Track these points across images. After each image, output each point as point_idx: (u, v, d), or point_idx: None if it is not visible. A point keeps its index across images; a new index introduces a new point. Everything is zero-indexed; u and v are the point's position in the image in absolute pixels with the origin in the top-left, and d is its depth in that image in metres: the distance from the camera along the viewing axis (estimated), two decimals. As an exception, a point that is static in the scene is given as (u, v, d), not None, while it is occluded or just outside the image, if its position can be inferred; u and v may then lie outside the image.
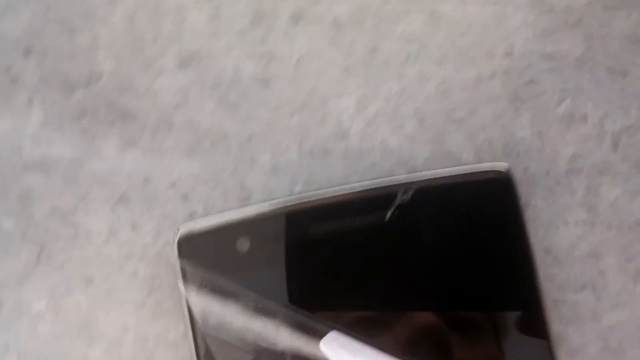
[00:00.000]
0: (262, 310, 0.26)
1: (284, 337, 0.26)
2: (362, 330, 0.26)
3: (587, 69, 0.29)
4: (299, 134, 0.29)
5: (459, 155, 0.29)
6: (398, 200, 0.27)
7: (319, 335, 0.26)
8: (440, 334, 0.26)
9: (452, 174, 0.27)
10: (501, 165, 0.27)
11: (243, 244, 0.26)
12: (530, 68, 0.29)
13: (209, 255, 0.26)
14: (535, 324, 0.26)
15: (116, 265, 0.29)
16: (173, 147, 0.29)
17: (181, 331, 0.28)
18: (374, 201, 0.27)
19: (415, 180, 0.27)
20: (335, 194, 0.27)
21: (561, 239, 0.28)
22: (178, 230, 0.26)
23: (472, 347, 0.26)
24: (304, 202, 0.27)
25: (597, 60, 0.29)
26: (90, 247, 0.29)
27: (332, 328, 0.26)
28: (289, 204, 0.27)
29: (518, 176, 0.28)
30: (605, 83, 0.29)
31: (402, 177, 0.27)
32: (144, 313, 0.28)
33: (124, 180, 0.29)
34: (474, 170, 0.27)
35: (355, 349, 0.26)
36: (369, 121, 0.29)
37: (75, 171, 0.29)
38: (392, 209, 0.27)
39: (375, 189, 0.27)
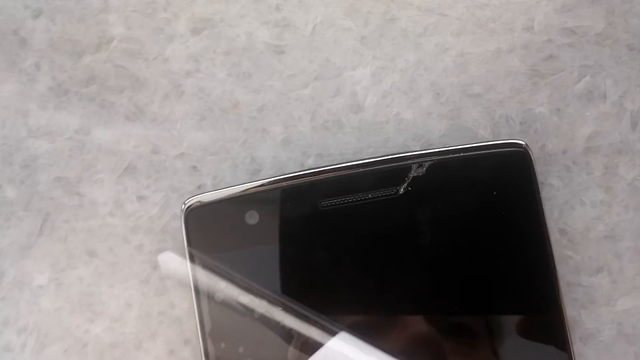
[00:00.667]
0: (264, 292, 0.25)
1: (287, 316, 0.25)
2: (372, 306, 0.26)
3: (608, 45, 0.28)
4: (312, 106, 0.28)
5: (475, 131, 0.28)
6: (412, 175, 0.26)
7: (322, 321, 0.26)
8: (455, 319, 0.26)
9: (469, 149, 0.27)
10: (519, 142, 0.27)
11: (252, 217, 0.25)
12: (549, 43, 0.28)
13: (216, 229, 0.25)
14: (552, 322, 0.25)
15: (121, 238, 0.28)
16: (183, 116, 0.28)
17: (186, 308, 0.27)
18: (387, 175, 0.26)
19: (431, 154, 0.26)
20: (348, 168, 0.26)
21: (577, 219, 0.28)
22: (185, 203, 0.25)
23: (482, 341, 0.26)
24: (316, 177, 0.26)
25: (617, 36, 0.28)
26: (95, 218, 0.28)
27: (338, 311, 0.25)
28: (300, 178, 0.26)
29: (535, 154, 0.27)
30: (625, 60, 0.28)
31: (416, 151, 0.27)
32: (148, 289, 0.27)
33: (132, 150, 0.28)
34: (490, 146, 0.27)
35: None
36: (384, 94, 0.28)
37: (81, 139, 0.28)
38: (406, 183, 0.26)
39: (389, 163, 0.27)
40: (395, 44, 0.28)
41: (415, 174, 0.26)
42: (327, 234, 0.26)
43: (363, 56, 0.28)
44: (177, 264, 0.27)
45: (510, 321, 0.26)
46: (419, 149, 0.28)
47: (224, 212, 0.25)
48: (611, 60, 0.28)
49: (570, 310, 0.27)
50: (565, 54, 0.28)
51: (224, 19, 0.28)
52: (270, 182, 0.26)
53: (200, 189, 0.28)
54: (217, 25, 0.28)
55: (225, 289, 0.25)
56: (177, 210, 0.27)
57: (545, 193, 0.28)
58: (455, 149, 0.27)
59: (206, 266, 0.25)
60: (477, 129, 0.28)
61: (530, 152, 0.26)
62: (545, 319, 0.25)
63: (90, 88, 0.28)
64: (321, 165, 0.27)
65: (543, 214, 0.26)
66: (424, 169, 0.26)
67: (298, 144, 0.28)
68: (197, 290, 0.25)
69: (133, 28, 0.28)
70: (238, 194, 0.26)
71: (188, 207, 0.25)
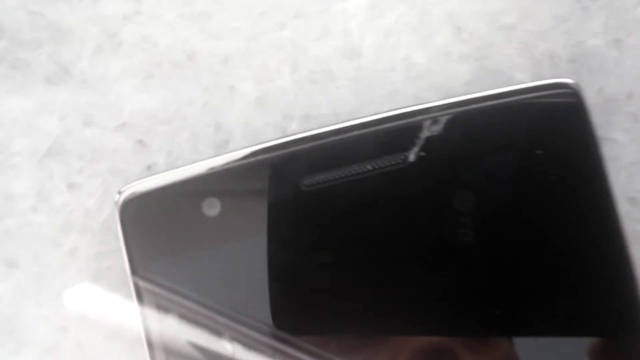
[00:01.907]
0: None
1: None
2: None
3: (679, -49, 0.21)
4: (293, 53, 0.22)
5: (510, 74, 0.22)
6: (425, 135, 0.20)
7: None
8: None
9: (501, 98, 0.20)
10: (568, 83, 0.20)
11: (212, 206, 0.19)
12: (603, -48, 0.21)
13: (166, 224, 0.18)
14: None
15: (48, 241, 0.21)
16: (122, 74, 0.21)
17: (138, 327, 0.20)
18: (392, 138, 0.20)
19: (449, 105, 0.20)
20: (342, 132, 0.20)
21: (646, 184, 0.21)
22: (120, 193, 0.18)
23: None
24: (299, 146, 0.20)
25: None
26: (12, 216, 0.21)
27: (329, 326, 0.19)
28: (280, 149, 0.20)
29: (590, 100, 0.20)
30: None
31: (432, 103, 0.20)
32: (93, 304, 0.21)
33: (56, 124, 0.21)
34: (529, 90, 0.20)
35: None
36: (388, 31, 0.22)
37: (-14, 112, 0.21)
38: (418, 147, 0.20)
39: (395, 120, 0.20)
40: (400, -39, 0.21)
41: (429, 134, 0.20)
42: (316, 225, 0.19)
43: (357, -19, 0.21)
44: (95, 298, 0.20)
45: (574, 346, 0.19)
46: (435, 100, 0.21)
47: (174, 203, 0.18)
48: (683, -28, 0.21)
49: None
50: (623, -35, 0.21)
51: (167, -63, 0.21)
52: (239, 157, 0.19)
53: (151, 171, 0.21)
54: (158, -55, 0.21)
55: (179, 325, 0.18)
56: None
57: (607, 151, 0.21)
58: (480, 96, 0.20)
59: (155, 275, 0.18)
60: (513, 72, 0.22)
61: (584, 97, 0.20)
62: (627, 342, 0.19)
63: (-7, 42, 0.21)
64: (308, 130, 0.20)
65: (607, 180, 0.19)
66: (441, 126, 0.20)
67: (277, 104, 0.21)
68: (142, 307, 0.18)
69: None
70: (193, 177, 0.19)
71: (125, 199, 0.18)
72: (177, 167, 0.19)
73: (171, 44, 0.22)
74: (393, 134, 0.20)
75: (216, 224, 0.18)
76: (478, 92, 0.20)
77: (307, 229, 0.19)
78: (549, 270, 0.19)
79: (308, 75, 0.22)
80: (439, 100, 0.20)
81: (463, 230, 0.20)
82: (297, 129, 0.21)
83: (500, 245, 0.20)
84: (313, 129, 0.20)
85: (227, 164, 0.19)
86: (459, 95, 0.20)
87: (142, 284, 0.18)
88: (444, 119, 0.20)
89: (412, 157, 0.20)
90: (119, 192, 0.19)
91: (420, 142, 0.20)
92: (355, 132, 0.20)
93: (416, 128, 0.20)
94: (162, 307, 0.18)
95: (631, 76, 0.21)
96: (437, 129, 0.20)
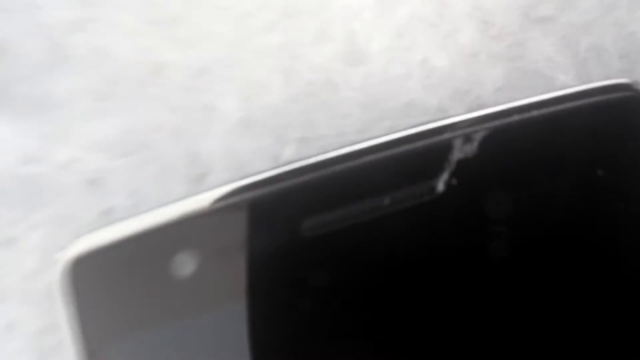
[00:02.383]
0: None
1: None
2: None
3: None
4: (285, 61, 0.17)
5: (550, 76, 0.18)
6: (456, 157, 0.16)
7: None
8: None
9: (545, 104, 0.16)
10: (628, 84, 0.16)
11: (184, 265, 0.14)
12: None
13: (127, 290, 0.13)
14: None
15: (-22, 313, 0.16)
16: (70, 96, 0.17)
17: None
18: (414, 164, 0.15)
19: (483, 118, 0.16)
20: (349, 158, 0.16)
21: None
22: (67, 250, 0.14)
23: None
24: (296, 178, 0.15)
25: None
26: None
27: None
28: (272, 183, 0.15)
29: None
30: None
31: (460, 117, 0.16)
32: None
33: (-15, 162, 0.17)
34: (580, 98, 0.16)
35: None
36: (399, 30, 0.18)
37: None
38: (447, 173, 0.15)
39: (416, 141, 0.16)
40: (411, -56, 0.17)
41: (461, 155, 0.16)
42: (323, 284, 0.14)
43: (360, -31, 0.17)
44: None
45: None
46: (463, 112, 0.16)
47: (137, 260, 0.14)
48: None
49: None
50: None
51: None
52: (220, 196, 0.15)
53: (107, 218, 0.16)
54: None
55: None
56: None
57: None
58: (522, 105, 0.16)
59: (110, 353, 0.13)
60: (554, 72, 0.18)
61: None
62: None
63: None
64: (307, 157, 0.16)
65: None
66: (476, 144, 0.16)
67: (266, 125, 0.17)
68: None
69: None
70: (161, 225, 0.14)
71: (73, 258, 0.14)
72: (140, 213, 0.15)
73: (132, 55, 0.17)
74: (415, 158, 0.16)
75: (192, 287, 0.14)
76: (514, 99, 0.16)
77: (311, 290, 0.14)
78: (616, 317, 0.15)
79: (304, 87, 0.17)
80: (469, 112, 0.16)
81: (513, 276, 0.15)
82: (293, 156, 0.17)
83: (558, 296, 0.15)
84: (313, 156, 0.16)
85: (205, 206, 0.15)
86: (490, 105, 0.16)
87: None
88: (477, 135, 0.16)
89: (440, 186, 0.15)
90: (65, 249, 0.14)
91: (449, 167, 0.15)
92: (366, 158, 0.16)
93: (443, 149, 0.16)
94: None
95: (697, 72, 0.18)
96: (468, 148, 0.16)
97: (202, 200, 0.15)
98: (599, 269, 0.15)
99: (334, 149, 0.16)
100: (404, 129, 0.16)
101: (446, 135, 0.16)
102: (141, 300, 0.13)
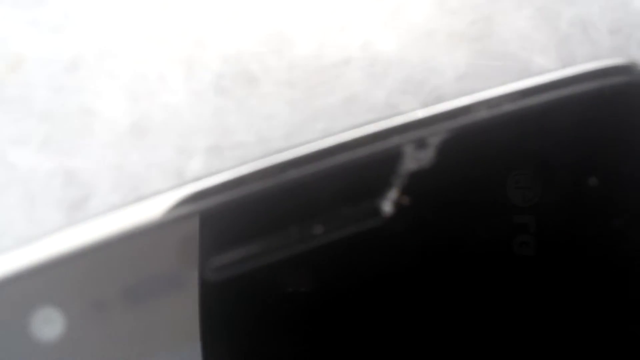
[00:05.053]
0: None
1: None
2: None
3: None
4: (186, 48, 0.13)
5: (525, 57, 0.14)
6: (408, 168, 0.12)
7: None
8: None
9: (522, 97, 0.13)
10: (625, 65, 0.13)
11: (45, 325, 0.10)
12: None
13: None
14: None
15: None
16: None
17: None
18: (354, 180, 0.12)
19: (445, 117, 0.12)
20: (275, 171, 0.12)
21: None
22: None
23: None
24: (207, 199, 0.12)
25: None
26: None
27: None
28: (173, 209, 0.12)
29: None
30: None
31: (415, 115, 0.13)
32: None
33: None
34: (569, 84, 0.13)
35: None
36: (333, 5, 0.14)
37: None
38: (398, 188, 0.12)
39: (359, 147, 0.12)
40: None
41: (414, 167, 0.12)
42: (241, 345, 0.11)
43: None
44: None
45: None
46: (418, 108, 0.13)
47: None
48: None
49: None
50: None
51: None
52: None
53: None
54: None
55: None
56: None
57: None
58: (491, 98, 0.13)
59: None
60: (530, 55, 0.14)
61: None
62: None
63: None
64: (219, 171, 0.12)
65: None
66: (434, 150, 0.12)
67: (165, 131, 0.13)
68: None
69: None
70: (23, 271, 0.10)
71: None
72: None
73: (-17, 46, 0.13)
74: (356, 171, 0.12)
75: (57, 353, 0.10)
76: (480, 90, 0.13)
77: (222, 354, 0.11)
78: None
79: (213, 81, 0.14)
80: (425, 108, 0.12)
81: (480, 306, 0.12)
82: (201, 170, 0.13)
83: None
84: (228, 168, 0.12)
85: (79, 246, 0.11)
86: (451, 98, 0.13)
87: None
88: (437, 140, 0.12)
89: (387, 207, 0.12)
90: None
91: (399, 182, 0.12)
92: (295, 170, 0.12)
93: (392, 158, 0.12)
94: None
95: None
96: (423, 155, 0.12)
97: (76, 235, 0.11)
98: (592, 273, 0.12)
99: (254, 160, 0.12)
100: (343, 132, 0.12)
101: (396, 140, 0.12)
102: None
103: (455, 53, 0.14)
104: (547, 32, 0.14)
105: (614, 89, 0.12)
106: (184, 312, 0.11)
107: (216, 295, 0.11)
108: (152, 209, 0.11)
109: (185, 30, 0.14)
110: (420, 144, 0.12)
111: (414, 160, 0.12)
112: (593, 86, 0.13)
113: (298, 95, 0.14)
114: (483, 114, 0.12)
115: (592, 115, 0.12)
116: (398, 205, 0.12)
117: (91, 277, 0.11)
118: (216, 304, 0.11)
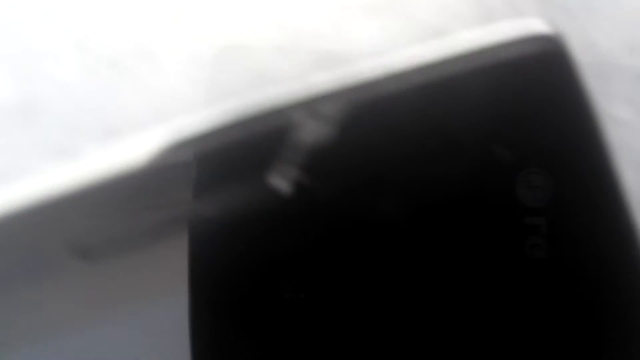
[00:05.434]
0: None
1: None
2: None
3: None
4: (78, 19, 0.12)
5: (442, 29, 0.13)
6: (307, 145, 0.12)
7: None
8: None
9: (435, 71, 0.12)
10: (545, 35, 0.12)
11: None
12: None
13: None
14: None
15: None
16: None
17: None
18: (251, 155, 0.11)
19: (352, 92, 0.11)
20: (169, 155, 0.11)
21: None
22: None
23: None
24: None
25: None
26: None
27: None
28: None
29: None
30: None
31: (323, 87, 0.12)
32: None
33: None
34: (485, 55, 0.12)
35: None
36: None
37: None
38: (293, 168, 0.11)
39: (256, 124, 0.12)
40: None
41: (315, 142, 0.12)
42: None
43: None
44: None
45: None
46: (329, 82, 0.12)
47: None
48: None
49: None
50: None
51: None
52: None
53: None
54: None
55: None
56: None
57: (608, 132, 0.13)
58: (403, 72, 0.12)
59: None
60: (447, 25, 0.13)
61: (569, 53, 0.12)
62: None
63: None
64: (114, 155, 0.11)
65: (615, 177, 0.11)
66: (338, 126, 0.12)
67: (56, 113, 0.13)
68: None
69: None
70: None
71: None
72: None
73: None
74: (250, 148, 0.11)
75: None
76: (395, 64, 0.12)
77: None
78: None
79: (110, 57, 0.13)
80: (338, 79, 0.12)
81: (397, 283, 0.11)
82: (98, 154, 0.12)
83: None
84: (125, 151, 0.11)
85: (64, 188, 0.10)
86: (362, 72, 0.12)
87: None
88: (328, 107, 0.11)
89: (284, 186, 0.11)
90: None
91: (297, 158, 0.11)
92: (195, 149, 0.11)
93: (277, 132, 0.11)
94: None
95: (634, 20, 0.14)
96: (328, 132, 0.11)
97: None
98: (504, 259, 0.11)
99: (155, 140, 0.11)
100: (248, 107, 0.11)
101: (296, 112, 0.11)
102: None
103: (367, 26, 0.13)
104: (466, 2, 0.13)
105: (520, 62, 0.11)
106: (172, 263, 0.11)
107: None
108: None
109: (79, 4, 0.13)
110: (321, 116, 0.11)
111: (313, 134, 0.11)
112: (512, 56, 0.12)
113: (202, 73, 0.13)
114: (391, 87, 0.12)
115: (507, 88, 0.12)
116: (299, 183, 0.11)
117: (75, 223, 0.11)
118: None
